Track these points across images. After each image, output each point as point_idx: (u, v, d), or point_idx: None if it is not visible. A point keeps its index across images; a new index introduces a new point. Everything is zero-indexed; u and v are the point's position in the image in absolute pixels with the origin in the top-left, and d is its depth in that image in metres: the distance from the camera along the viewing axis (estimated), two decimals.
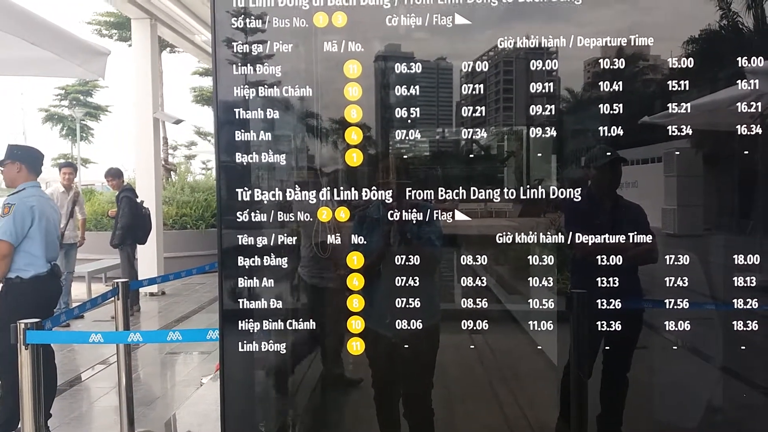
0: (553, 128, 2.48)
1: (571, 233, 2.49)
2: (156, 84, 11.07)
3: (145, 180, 10.41)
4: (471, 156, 2.58)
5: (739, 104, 2.41)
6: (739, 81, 2.40)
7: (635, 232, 2.48)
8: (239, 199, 2.49)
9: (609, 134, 2.44)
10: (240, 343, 2.54)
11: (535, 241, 2.50)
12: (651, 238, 2.49)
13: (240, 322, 2.53)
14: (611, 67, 2.43)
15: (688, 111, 2.44)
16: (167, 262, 10.68)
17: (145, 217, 8.85)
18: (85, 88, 40.34)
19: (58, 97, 42.55)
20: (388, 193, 2.50)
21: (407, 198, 2.49)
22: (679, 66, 2.43)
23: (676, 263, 2.47)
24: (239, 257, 2.50)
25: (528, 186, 2.52)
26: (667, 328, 2.51)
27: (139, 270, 9.21)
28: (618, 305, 2.47)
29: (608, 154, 2.50)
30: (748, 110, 2.41)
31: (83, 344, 6.81)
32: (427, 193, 2.48)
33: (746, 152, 2.47)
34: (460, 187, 2.48)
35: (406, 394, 2.72)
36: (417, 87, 2.46)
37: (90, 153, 49.22)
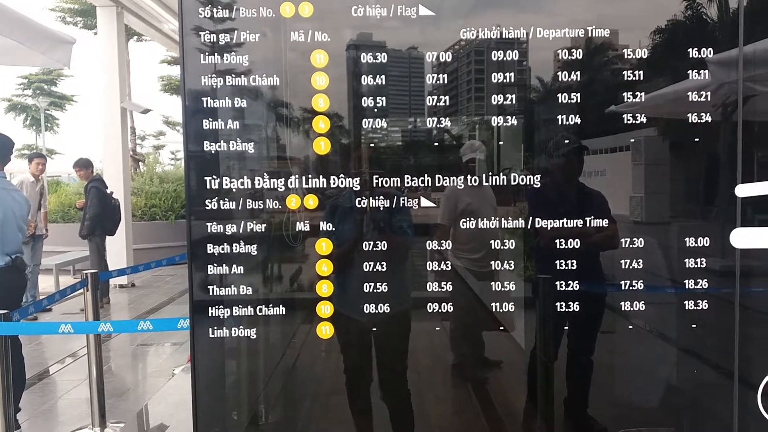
0: (522, 118, 2.52)
1: (535, 220, 2.54)
2: (123, 73, 10.91)
3: (112, 171, 10.27)
4: (440, 145, 2.62)
5: (700, 93, 2.47)
6: (700, 71, 2.46)
7: (597, 219, 2.54)
8: (208, 187, 2.49)
9: (577, 124, 2.49)
10: (210, 330, 2.54)
11: (503, 228, 2.54)
12: (612, 224, 2.55)
13: (210, 309, 2.53)
14: (579, 57, 2.47)
15: (653, 100, 2.49)
16: (136, 253, 10.57)
17: (115, 208, 8.75)
18: (49, 77, 39.49)
19: (21, 86, 41.56)
20: (356, 182, 2.52)
21: (375, 186, 2.52)
22: (643, 56, 2.48)
23: (641, 249, 2.53)
24: (209, 245, 2.51)
25: (498, 174, 2.56)
26: (629, 311, 2.57)
27: (108, 262, 9.11)
28: (581, 289, 2.53)
29: (567, 142, 2.55)
30: (709, 99, 2.47)
31: (52, 337, 6.73)
32: (395, 181, 2.51)
33: (708, 139, 2.54)
34: (429, 176, 2.51)
35: (381, 379, 2.75)
36: (383, 76, 2.49)
37: (55, 143, 48.30)
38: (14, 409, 4.35)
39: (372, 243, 2.54)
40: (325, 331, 2.58)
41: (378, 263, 2.53)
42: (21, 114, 42.81)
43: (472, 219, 2.56)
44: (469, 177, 2.56)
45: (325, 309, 2.56)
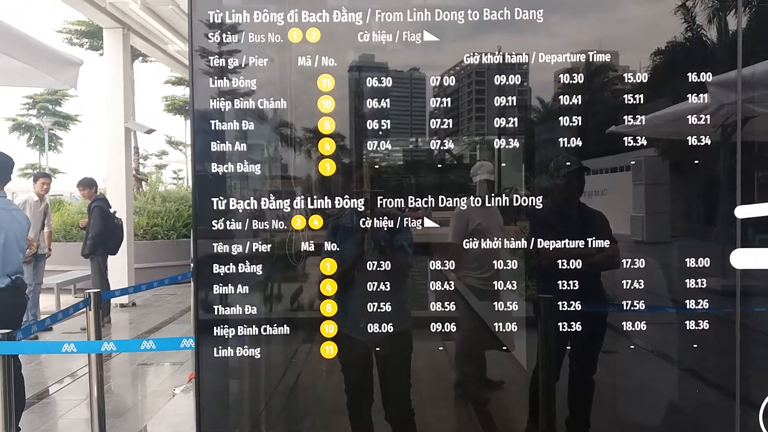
0: (523, 139, 2.55)
1: (537, 240, 2.56)
2: (128, 93, 11.00)
3: (115, 190, 10.31)
4: (441, 166, 2.64)
5: (699, 115, 2.50)
6: (699, 93, 2.50)
7: (598, 239, 2.56)
8: (215, 208, 2.51)
9: (578, 144, 2.52)
10: (215, 350, 2.55)
11: (505, 248, 2.56)
12: (614, 244, 2.57)
13: (215, 328, 2.54)
14: (580, 79, 2.51)
15: (654, 120, 2.52)
16: (138, 272, 10.57)
17: (117, 227, 8.76)
18: (54, 97, 39.81)
19: (26, 106, 41.91)
20: (360, 202, 2.55)
21: (379, 206, 2.54)
22: (645, 78, 2.51)
23: (643, 269, 2.54)
24: (214, 265, 2.52)
25: (499, 195, 2.59)
26: (631, 331, 2.58)
27: (110, 281, 9.10)
28: (583, 309, 2.54)
29: (568, 164, 2.57)
30: (709, 121, 2.50)
31: (51, 357, 6.72)
32: (398, 202, 2.54)
33: (708, 160, 2.57)
34: (431, 196, 2.54)
35: (384, 398, 2.74)
36: (388, 100, 2.53)
37: (59, 163, 48.44)
38: (15, 429, 4.34)
39: (374, 262, 2.56)
40: (329, 350, 2.58)
41: (380, 282, 2.55)
42: (25, 133, 43.12)
43: (480, 239, 2.58)
44: (479, 197, 2.59)
45: (328, 328, 2.57)
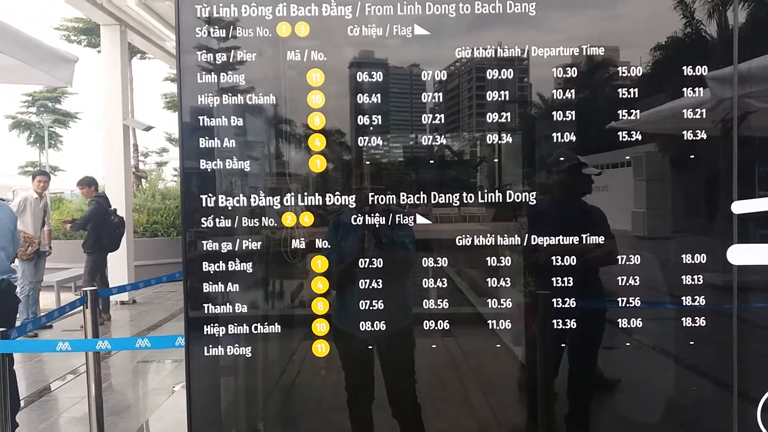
0: (523, 134, 2.53)
1: (535, 236, 2.54)
2: (126, 90, 10.97)
3: (115, 187, 10.29)
4: (436, 162, 2.63)
5: (698, 110, 2.48)
6: (699, 87, 2.48)
7: (595, 235, 2.54)
8: (204, 205, 2.50)
9: (578, 140, 2.50)
10: (206, 349, 2.54)
11: (502, 244, 2.54)
12: (611, 240, 2.55)
13: (205, 327, 2.53)
14: (578, 74, 2.49)
15: (654, 115, 2.51)
16: (138, 270, 10.56)
17: (114, 225, 8.73)
18: (53, 95, 39.79)
19: (25, 103, 41.89)
20: (351, 199, 2.53)
21: (370, 204, 2.53)
22: (644, 72, 2.49)
23: (643, 264, 2.53)
24: (204, 263, 2.51)
25: (498, 191, 2.57)
26: (629, 327, 2.56)
27: (110, 278, 9.09)
28: (580, 305, 2.53)
29: (562, 159, 2.56)
30: (707, 116, 2.48)
31: (53, 354, 6.71)
32: (390, 198, 2.52)
33: (706, 155, 2.55)
34: (426, 192, 2.52)
35: (389, 395, 2.73)
36: (378, 95, 2.50)
37: (59, 160, 48.50)
38: (12, 425, 4.33)
39: (372, 259, 2.54)
40: (321, 349, 2.57)
41: (377, 279, 2.53)
42: (25, 131, 43.09)
43: None
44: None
45: (321, 327, 2.55)
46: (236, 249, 2.52)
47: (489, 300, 2.58)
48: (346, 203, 2.53)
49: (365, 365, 2.72)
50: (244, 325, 2.54)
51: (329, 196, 2.52)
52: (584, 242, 2.53)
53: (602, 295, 2.64)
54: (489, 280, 2.56)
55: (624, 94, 2.50)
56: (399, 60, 2.57)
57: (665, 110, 2.57)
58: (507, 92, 2.50)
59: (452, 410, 2.76)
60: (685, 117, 2.49)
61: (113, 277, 9.29)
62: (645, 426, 2.69)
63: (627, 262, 2.54)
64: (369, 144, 2.52)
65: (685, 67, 2.48)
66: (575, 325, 2.53)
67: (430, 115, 2.57)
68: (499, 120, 2.52)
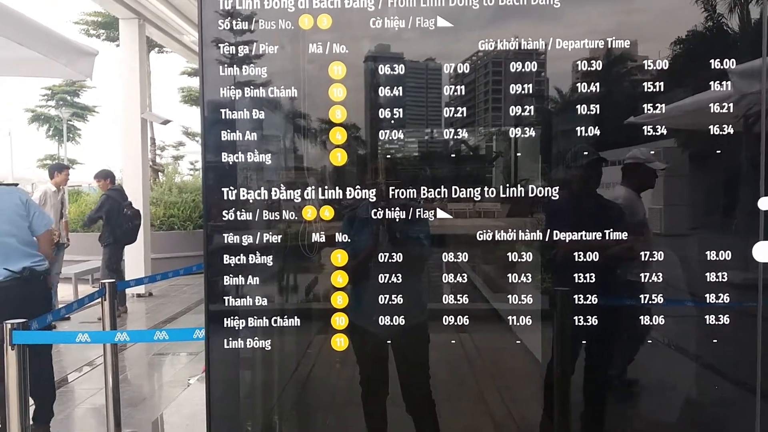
0: (540, 129, 2.51)
1: (552, 232, 2.52)
2: (144, 84, 11.03)
3: (132, 181, 10.37)
4: (456, 156, 2.61)
5: (721, 104, 2.44)
6: (721, 82, 2.44)
7: (615, 231, 2.51)
8: (225, 198, 2.50)
9: (595, 135, 2.47)
10: (225, 341, 2.54)
11: (519, 240, 2.52)
12: (629, 236, 2.52)
13: (225, 320, 2.54)
14: (597, 68, 2.46)
15: (673, 111, 2.47)
16: (154, 263, 10.64)
17: (127, 217, 8.74)
18: (72, 89, 40.14)
19: (44, 97, 42.33)
20: (372, 193, 2.52)
21: (391, 198, 2.51)
22: (664, 67, 2.46)
23: (661, 262, 2.50)
24: (225, 255, 2.51)
25: (514, 186, 2.55)
26: (649, 326, 2.54)
27: (126, 271, 9.16)
28: (599, 302, 2.50)
29: (585, 153, 2.53)
30: (731, 110, 2.44)
31: (70, 346, 6.78)
32: (411, 193, 2.51)
33: (729, 152, 2.51)
34: (446, 187, 2.50)
35: (404, 391, 2.72)
36: (401, 88, 2.49)
37: (77, 154, 48.94)
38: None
39: (386, 254, 2.53)
40: (340, 343, 2.57)
41: (391, 274, 2.52)
42: (44, 124, 43.55)
43: None
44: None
45: (339, 321, 2.55)
46: (256, 242, 2.52)
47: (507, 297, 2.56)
48: (367, 197, 2.52)
49: (379, 360, 2.71)
50: (264, 318, 2.55)
51: (350, 190, 2.51)
52: (604, 239, 2.50)
53: (619, 291, 2.62)
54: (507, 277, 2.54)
55: (645, 89, 2.47)
56: (423, 52, 2.55)
57: (686, 105, 2.53)
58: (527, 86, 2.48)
59: (467, 407, 2.74)
60: (710, 112, 2.45)
61: (130, 270, 9.36)
62: (665, 426, 2.66)
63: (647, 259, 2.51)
64: (389, 137, 2.51)
65: (708, 61, 2.44)
66: (594, 323, 2.51)
67: (459, 108, 2.54)
68: (528, 114, 2.49)
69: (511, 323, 2.56)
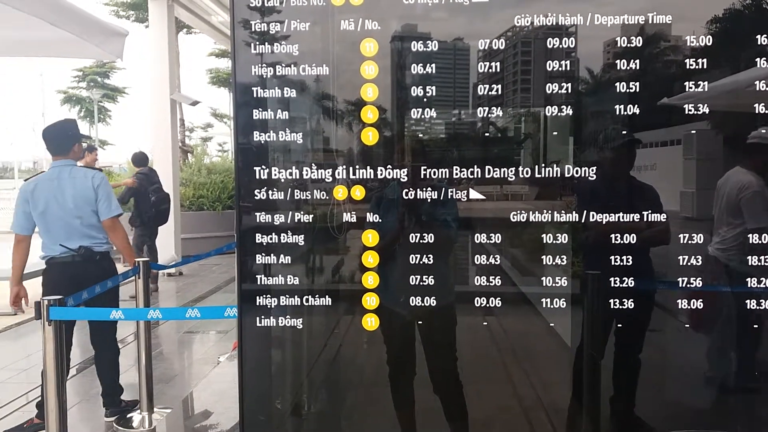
0: (571, 109, 2.47)
1: (584, 214, 2.49)
2: (173, 65, 11.09)
3: (162, 162, 10.47)
4: (487, 137, 2.58)
5: (758, 84, 2.38)
6: (759, 60, 2.37)
7: (648, 213, 2.47)
8: (257, 177, 2.52)
9: (627, 115, 2.43)
10: (258, 319, 2.58)
11: (550, 222, 2.49)
12: (664, 219, 2.48)
13: (258, 298, 2.57)
14: (630, 46, 2.40)
15: (708, 92, 2.41)
16: (184, 242, 10.77)
17: (153, 201, 8.81)
18: (102, 70, 40.61)
19: (76, 78, 42.91)
20: (404, 173, 2.51)
21: (422, 178, 2.50)
22: (700, 46, 2.39)
23: (692, 246, 2.45)
24: (257, 234, 2.54)
25: (544, 167, 2.52)
26: (679, 309, 2.51)
27: (158, 251, 9.29)
28: (630, 286, 2.47)
29: (624, 134, 2.48)
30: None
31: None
32: (442, 173, 2.49)
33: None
34: (476, 168, 2.48)
35: (431, 372, 2.74)
36: (433, 66, 2.46)
37: (108, 135, 49.58)
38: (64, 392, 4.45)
39: (413, 235, 2.53)
40: (371, 322, 2.58)
41: (419, 255, 2.52)
42: (76, 106, 44.20)
43: None
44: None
45: (371, 300, 2.56)
46: (288, 222, 2.54)
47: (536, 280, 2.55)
48: (398, 177, 2.51)
49: (406, 340, 2.72)
50: (295, 296, 2.57)
51: (380, 170, 2.50)
52: (638, 221, 2.46)
53: (651, 275, 2.59)
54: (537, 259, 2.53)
55: (679, 69, 2.41)
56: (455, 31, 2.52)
57: (723, 86, 2.47)
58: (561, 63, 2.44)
59: (495, 389, 2.75)
60: (748, 92, 2.39)
61: (161, 250, 9.49)
62: (693, 410, 2.64)
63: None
64: (422, 116, 2.49)
65: (746, 40, 2.37)
66: (625, 307, 2.48)
67: (496, 86, 2.51)
68: (559, 93, 2.46)
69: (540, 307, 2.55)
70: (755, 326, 2.50)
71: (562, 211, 2.51)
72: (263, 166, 2.51)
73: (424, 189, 2.51)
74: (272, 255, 2.55)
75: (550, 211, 2.49)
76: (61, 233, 4.22)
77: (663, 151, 2.62)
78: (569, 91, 2.47)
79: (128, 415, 4.43)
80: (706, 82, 2.39)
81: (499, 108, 2.53)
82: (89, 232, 4.29)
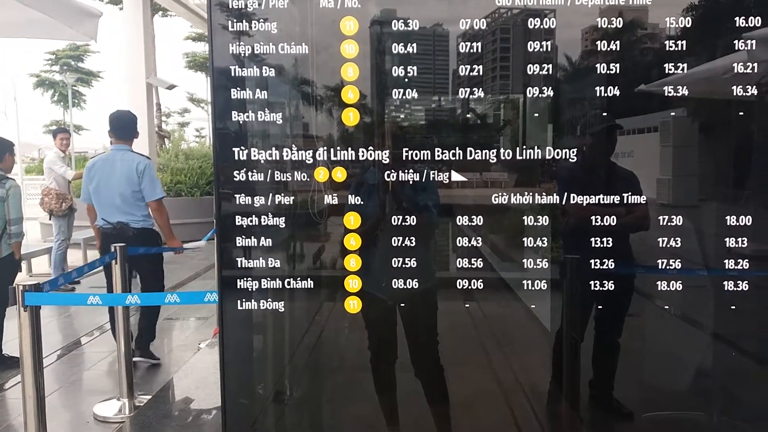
0: (550, 95, 2.47)
1: (564, 199, 2.50)
2: (149, 48, 10.93)
3: (139, 147, 10.31)
4: (467, 121, 2.58)
5: (735, 67, 2.39)
6: (736, 46, 2.39)
7: (629, 196, 2.50)
8: (236, 158, 2.49)
9: (605, 102, 2.44)
10: (239, 303, 2.56)
11: (529, 207, 2.51)
12: (644, 204, 2.50)
13: (238, 281, 2.55)
14: (608, 33, 2.41)
15: (685, 79, 2.43)
16: None
17: None
18: (76, 53, 39.88)
19: (48, 62, 42.04)
20: (384, 154, 2.50)
21: (402, 158, 2.50)
22: (677, 32, 2.41)
23: (669, 232, 2.48)
24: (236, 217, 2.52)
25: (523, 154, 2.52)
26: (658, 294, 2.54)
27: None
28: (609, 271, 2.50)
29: (604, 119, 2.50)
30: (744, 76, 2.39)
31: (81, 310, 6.84)
32: (424, 154, 2.49)
33: (741, 120, 2.47)
34: (456, 152, 2.48)
35: (412, 356, 2.75)
36: (414, 44, 2.45)
37: (83, 119, 48.80)
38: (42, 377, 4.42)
39: (393, 219, 2.53)
40: (353, 305, 2.58)
41: (399, 239, 2.52)
42: (49, 90, 43.36)
43: None
44: None
45: (353, 283, 2.56)
46: (268, 204, 2.52)
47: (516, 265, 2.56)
48: (379, 158, 2.50)
49: (387, 325, 2.73)
50: (277, 280, 2.56)
51: (362, 151, 2.49)
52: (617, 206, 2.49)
53: (630, 260, 2.62)
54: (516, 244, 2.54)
55: (655, 55, 2.42)
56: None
57: (699, 73, 2.48)
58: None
59: (476, 372, 2.77)
60: (723, 81, 2.41)
61: None
62: (672, 394, 2.68)
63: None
64: (403, 98, 2.47)
65: (722, 26, 2.39)
66: (604, 291, 2.51)
67: (486, 68, 2.51)
68: (538, 79, 2.46)
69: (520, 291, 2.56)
70: None
71: (542, 197, 2.51)
72: (242, 147, 2.49)
73: (404, 170, 2.50)
74: (252, 238, 2.53)
75: (530, 195, 2.50)
76: (105, 208, 4.97)
77: (640, 138, 2.64)
78: (548, 77, 2.46)
79: (108, 401, 4.40)
80: (683, 70, 2.40)
81: (480, 87, 2.51)
82: (128, 209, 4.96)
